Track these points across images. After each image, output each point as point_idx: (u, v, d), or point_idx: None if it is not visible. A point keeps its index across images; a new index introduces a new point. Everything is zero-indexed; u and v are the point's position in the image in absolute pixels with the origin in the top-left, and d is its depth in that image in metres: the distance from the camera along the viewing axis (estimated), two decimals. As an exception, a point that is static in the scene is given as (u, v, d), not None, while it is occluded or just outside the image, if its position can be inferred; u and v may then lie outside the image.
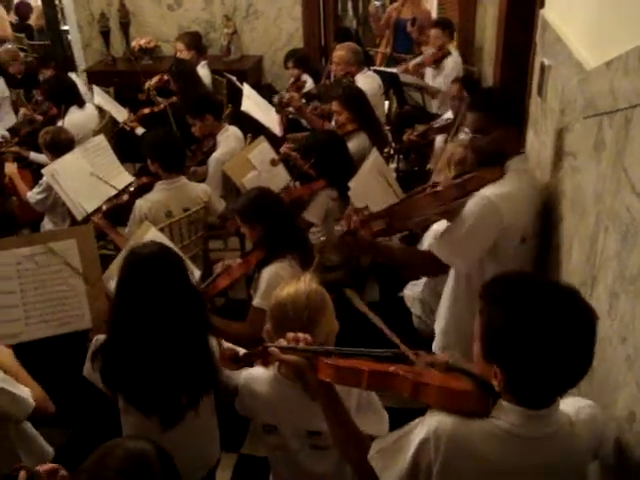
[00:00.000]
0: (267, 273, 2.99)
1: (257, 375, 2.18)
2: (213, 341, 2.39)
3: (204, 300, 2.46)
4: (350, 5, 9.95)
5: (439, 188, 2.55)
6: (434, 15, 7.50)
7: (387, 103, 6.06)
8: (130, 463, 1.55)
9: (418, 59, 5.94)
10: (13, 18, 8.77)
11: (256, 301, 2.97)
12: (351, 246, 2.71)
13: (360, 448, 1.74)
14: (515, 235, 2.51)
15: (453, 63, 5.68)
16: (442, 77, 5.64)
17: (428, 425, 1.56)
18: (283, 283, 2.21)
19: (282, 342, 1.79)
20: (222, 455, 2.65)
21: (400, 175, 5.26)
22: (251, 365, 1.97)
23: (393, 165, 5.45)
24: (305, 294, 2.06)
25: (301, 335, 1.80)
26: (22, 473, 1.68)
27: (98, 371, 2.31)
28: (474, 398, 1.57)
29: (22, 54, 6.93)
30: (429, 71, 5.86)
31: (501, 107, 2.58)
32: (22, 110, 5.70)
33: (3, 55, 6.42)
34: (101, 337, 2.36)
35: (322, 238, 2.98)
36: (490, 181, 2.52)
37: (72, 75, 5.97)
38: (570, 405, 1.62)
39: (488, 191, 2.48)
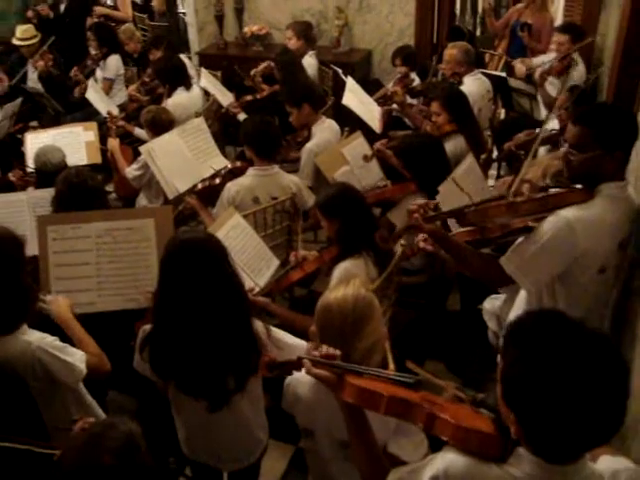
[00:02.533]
0: (339, 269, 2.96)
1: (301, 378, 2.16)
2: (259, 325, 2.39)
3: (242, 284, 2.44)
4: (469, 3, 9.73)
5: (518, 199, 2.43)
6: (559, 20, 7.19)
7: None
8: (122, 444, 1.55)
9: (546, 66, 5.66)
10: (138, -1, 9.06)
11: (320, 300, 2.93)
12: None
13: (376, 472, 1.71)
14: (592, 263, 2.37)
15: (578, 73, 5.38)
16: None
17: (440, 463, 1.50)
18: (335, 285, 2.17)
19: (316, 354, 1.77)
20: (279, 446, 2.66)
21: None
22: (286, 373, 1.96)
23: (493, 172, 5.29)
24: (352, 299, 2.02)
25: (332, 351, 1.77)
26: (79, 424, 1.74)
27: (147, 361, 2.34)
28: (491, 441, 1.48)
29: (141, 34, 7.19)
30: (550, 79, 5.59)
31: (607, 128, 2.38)
32: (130, 87, 5.88)
33: (121, 34, 6.66)
34: (147, 327, 2.40)
35: (402, 242, 2.92)
36: (575, 202, 2.37)
37: (183, 57, 6.11)
38: (608, 465, 1.49)
39: (569, 212, 2.35)
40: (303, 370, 1.81)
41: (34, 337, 2.36)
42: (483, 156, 4.66)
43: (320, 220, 3.20)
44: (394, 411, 1.63)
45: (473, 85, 4.97)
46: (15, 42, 6.44)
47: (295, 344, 2.47)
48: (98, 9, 7.73)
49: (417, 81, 5.59)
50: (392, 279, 3.14)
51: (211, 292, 2.27)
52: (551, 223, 2.36)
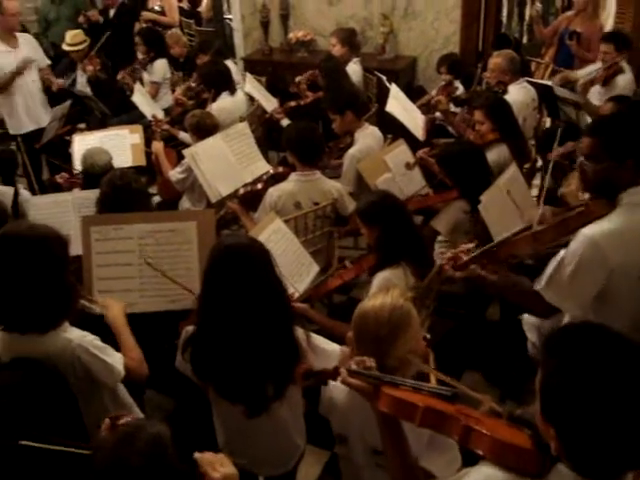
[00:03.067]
0: (379, 278, 2.96)
1: (337, 384, 2.15)
2: (299, 332, 2.39)
3: (286, 290, 2.45)
4: (516, 11, 9.63)
5: (539, 228, 2.40)
6: (609, 28, 7.05)
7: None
8: (150, 447, 1.56)
9: (590, 75, 5.57)
10: (185, 4, 9.19)
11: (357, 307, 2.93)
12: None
13: None
14: (631, 271, 2.32)
15: (624, 82, 5.29)
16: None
17: (476, 476, 1.48)
18: (374, 294, 2.17)
19: (352, 365, 1.77)
20: (314, 451, 2.65)
21: (545, 192, 5.02)
22: (322, 383, 1.96)
23: (536, 181, 5.22)
24: (389, 308, 2.02)
25: (367, 360, 1.77)
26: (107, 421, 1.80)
27: (189, 361, 2.36)
28: (529, 457, 1.44)
29: (188, 39, 7.28)
30: (596, 88, 5.51)
31: (614, 138, 2.36)
32: (176, 91, 5.96)
33: (168, 38, 6.76)
34: (190, 328, 2.42)
35: (442, 249, 2.91)
36: (596, 217, 2.35)
37: (229, 62, 6.16)
38: None
39: (591, 230, 2.32)
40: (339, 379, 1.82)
41: (75, 335, 2.39)
42: (527, 165, 4.61)
43: (360, 227, 3.19)
44: (429, 423, 1.61)
45: (518, 94, 4.91)
46: (65, 47, 6.57)
47: (332, 350, 2.47)
48: (145, 14, 7.85)
49: (461, 89, 5.56)
50: (431, 288, 3.12)
51: (255, 297, 2.28)
52: (576, 244, 2.33)
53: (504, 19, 8.57)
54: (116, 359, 2.44)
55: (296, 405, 2.51)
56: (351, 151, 4.33)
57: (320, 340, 2.49)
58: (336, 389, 2.19)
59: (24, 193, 4.50)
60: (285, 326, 2.35)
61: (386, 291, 2.14)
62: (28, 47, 5.88)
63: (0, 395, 2.22)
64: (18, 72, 5.70)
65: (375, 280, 2.98)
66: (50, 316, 2.33)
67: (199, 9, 9.38)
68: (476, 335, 3.83)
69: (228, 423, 2.51)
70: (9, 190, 4.34)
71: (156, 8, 7.98)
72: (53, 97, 6.11)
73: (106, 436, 1.76)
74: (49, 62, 6.21)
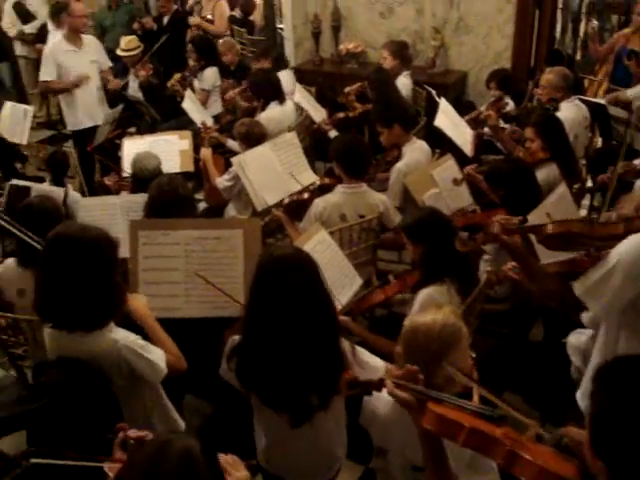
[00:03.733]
0: (423, 295, 2.94)
1: (381, 395, 2.14)
2: (345, 343, 2.38)
3: (333, 301, 2.45)
4: (570, 27, 9.51)
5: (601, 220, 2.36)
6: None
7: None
8: (181, 461, 1.55)
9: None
10: (238, 13, 9.29)
11: (407, 321, 2.91)
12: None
13: None
14: None
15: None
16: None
17: None
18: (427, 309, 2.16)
19: (400, 377, 1.75)
20: (349, 465, 2.64)
21: (595, 213, 4.94)
22: (366, 393, 1.95)
23: (586, 202, 5.14)
24: (440, 325, 2.01)
25: (416, 373, 1.75)
26: (120, 435, 1.78)
27: (234, 370, 2.37)
28: None
29: (240, 47, 7.35)
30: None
31: None
32: (228, 94, 6.01)
33: (221, 45, 6.83)
34: (236, 338, 2.43)
35: (488, 268, 2.87)
36: None
37: (285, 72, 6.19)
38: None
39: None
40: (384, 390, 1.81)
41: (120, 335, 2.43)
42: (576, 185, 4.54)
43: (405, 242, 3.17)
44: (473, 444, 1.59)
45: (570, 111, 4.84)
46: (119, 52, 6.70)
47: (376, 365, 2.47)
48: (193, 19, 7.95)
49: (512, 105, 5.50)
50: (475, 306, 3.09)
51: (302, 308, 2.29)
52: (624, 245, 2.28)
53: (558, 35, 8.47)
54: (158, 356, 2.48)
55: (339, 416, 2.51)
56: (398, 165, 4.31)
57: (365, 353, 2.48)
58: (379, 401, 2.18)
59: (74, 194, 4.60)
60: (331, 337, 2.36)
61: (437, 308, 2.14)
62: (92, 48, 6.05)
63: (46, 393, 2.27)
64: (75, 84, 5.87)
65: (419, 296, 2.97)
66: (97, 316, 2.38)
67: (251, 17, 9.49)
68: (518, 355, 3.78)
69: (270, 431, 2.51)
70: (59, 191, 4.44)
71: (209, 17, 8.09)
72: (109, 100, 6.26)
73: (135, 453, 1.76)
74: (110, 64, 6.36)
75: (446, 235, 3.09)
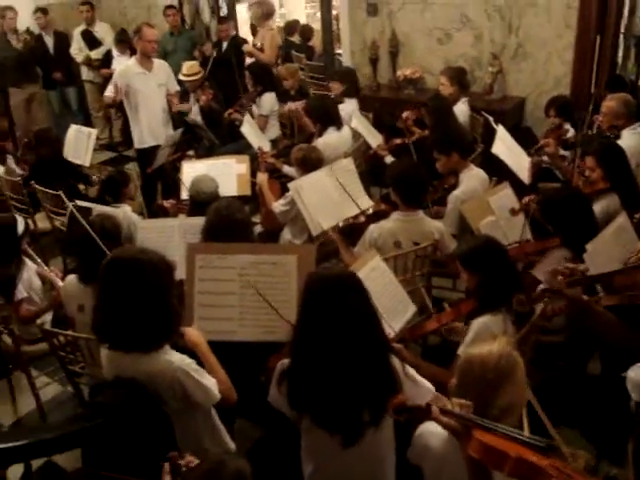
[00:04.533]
0: (477, 324, 2.91)
1: (435, 430, 2.13)
2: (396, 362, 2.38)
3: (380, 320, 2.46)
4: (633, 52, 9.33)
5: None
6: None
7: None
8: None
9: None
10: (297, 38, 9.43)
11: (461, 350, 2.89)
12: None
13: None
14: None
15: None
16: None
17: None
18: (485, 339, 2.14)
19: (447, 404, 1.74)
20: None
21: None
22: (412, 418, 1.94)
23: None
24: (496, 356, 1.99)
25: (464, 402, 1.73)
26: (166, 465, 1.79)
27: (285, 394, 2.38)
28: None
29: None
30: None
31: None
32: (285, 107, 6.07)
33: (283, 71, 6.93)
34: (286, 362, 2.44)
35: (545, 299, 2.82)
36: None
37: (352, 100, 6.25)
38: None
39: None
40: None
41: (175, 358, 2.47)
42: (637, 216, 4.43)
43: (460, 271, 3.15)
44: (519, 474, 1.57)
45: (631, 139, 4.73)
46: (181, 77, 6.85)
47: (427, 388, 2.48)
48: (246, 47, 8.09)
49: (571, 132, 5.42)
50: (529, 337, 3.04)
51: (351, 326, 2.31)
52: None
53: (619, 60, 8.32)
54: (212, 382, 2.52)
55: (390, 439, 2.51)
56: (455, 192, 4.29)
57: (416, 374, 2.48)
58: (433, 436, 2.16)
59: (132, 216, 4.70)
60: (381, 354, 2.38)
61: (493, 338, 2.12)
62: (161, 72, 6.22)
63: (103, 413, 2.31)
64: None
65: (473, 325, 2.94)
66: (153, 337, 2.42)
67: (310, 43, 9.61)
68: (575, 389, 3.69)
69: (320, 454, 2.51)
70: (119, 211, 4.55)
71: (259, 45, 8.22)
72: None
73: (189, 472, 1.78)
74: (178, 88, 6.53)
75: (502, 264, 3.06)
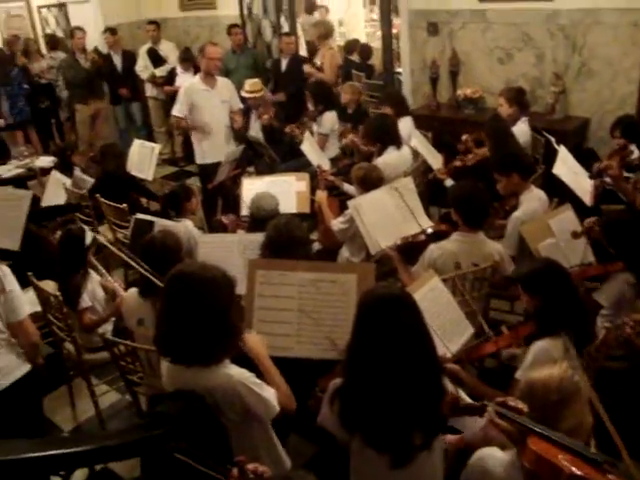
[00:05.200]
0: (537, 347, 2.87)
1: (494, 454, 2.11)
2: (449, 385, 2.37)
3: (433, 342, 2.44)
4: None
5: None
6: None
7: None
8: None
9: None
10: (357, 57, 9.50)
11: (519, 374, 2.85)
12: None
13: None
14: None
15: None
16: None
17: None
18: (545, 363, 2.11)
19: (503, 407, 1.72)
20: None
21: None
22: (467, 414, 1.92)
23: None
24: (558, 380, 1.97)
25: (520, 404, 1.72)
26: (234, 470, 1.80)
27: (337, 413, 2.38)
28: None
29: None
30: None
31: None
32: (344, 140, 6.12)
33: (346, 87, 6.97)
34: (338, 381, 2.46)
35: (606, 324, 2.78)
36: None
37: (406, 119, 6.27)
38: None
39: None
40: (494, 448, 1.78)
41: (235, 371, 2.51)
42: None
43: (519, 293, 3.11)
44: None
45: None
46: (243, 94, 6.96)
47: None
48: (306, 68, 8.18)
49: (636, 153, 5.30)
50: (591, 363, 2.99)
51: (404, 345, 2.30)
52: None
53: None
54: (271, 395, 2.54)
55: (439, 462, 2.49)
56: (516, 214, 4.24)
57: (465, 395, 2.46)
58: (492, 459, 2.14)
59: (193, 230, 4.79)
60: (434, 376, 2.37)
61: (553, 362, 2.09)
62: (225, 89, 6.37)
63: (161, 424, 2.36)
64: (193, 127, 6.24)
65: (532, 349, 2.90)
66: (214, 352, 2.46)
67: (369, 62, 9.66)
68: (636, 417, 3.59)
69: (368, 475, 2.50)
70: (181, 226, 4.64)
71: (318, 64, 8.30)
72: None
73: None
74: (241, 106, 6.65)
75: (563, 287, 3.01)
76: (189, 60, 8.55)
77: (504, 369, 3.91)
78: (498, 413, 1.78)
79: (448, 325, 3.26)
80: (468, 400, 2.50)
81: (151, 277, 3.36)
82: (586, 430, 2.02)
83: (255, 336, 2.83)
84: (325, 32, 8.17)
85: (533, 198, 4.37)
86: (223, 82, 6.39)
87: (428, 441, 2.33)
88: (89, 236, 4.35)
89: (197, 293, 2.41)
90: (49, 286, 4.45)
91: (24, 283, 4.03)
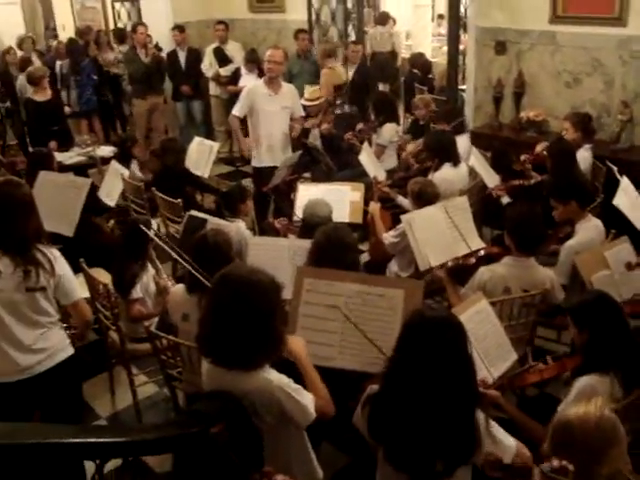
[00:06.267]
0: (582, 383, 2.78)
1: None
2: (480, 416, 2.34)
3: (475, 371, 2.41)
4: None
5: None
6: None
7: None
8: None
9: None
10: (418, 71, 9.48)
11: (561, 408, 2.78)
12: None
13: None
14: None
15: None
16: None
17: None
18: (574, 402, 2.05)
19: (554, 463, 1.67)
20: None
21: None
22: (511, 477, 1.88)
23: None
24: (595, 420, 1.91)
25: (567, 465, 1.67)
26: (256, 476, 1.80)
27: (366, 419, 2.37)
28: None
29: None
30: None
31: None
32: (408, 149, 6.10)
33: (418, 100, 6.95)
34: (375, 387, 2.45)
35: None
36: None
37: (464, 136, 6.21)
38: None
39: None
40: None
41: (274, 376, 2.50)
42: None
43: (568, 324, 3.04)
44: None
45: None
46: (303, 101, 7.00)
47: (509, 446, 2.39)
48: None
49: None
50: (638, 405, 2.89)
51: (443, 372, 2.28)
52: None
53: None
54: (308, 400, 2.53)
55: None
56: (570, 242, 4.15)
57: (499, 430, 2.41)
58: None
59: (245, 232, 4.82)
60: (467, 406, 2.33)
61: (588, 400, 2.03)
62: (287, 95, 6.39)
63: (197, 422, 2.37)
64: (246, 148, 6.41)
65: (577, 383, 2.82)
66: (256, 357, 2.46)
67: (430, 76, 9.63)
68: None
69: None
70: (233, 226, 4.67)
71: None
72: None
73: None
74: (303, 114, 6.69)
75: (614, 322, 2.92)
76: (254, 61, 8.63)
77: (545, 399, 3.85)
78: (545, 474, 1.73)
79: (493, 349, 3.20)
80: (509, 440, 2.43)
81: (198, 275, 3.38)
82: (626, 472, 1.96)
83: (297, 339, 2.83)
84: (328, 52, 8.12)
85: (590, 228, 4.27)
86: (287, 88, 6.43)
87: (450, 469, 2.30)
88: (153, 228, 4.40)
89: (244, 296, 2.40)
90: (100, 274, 4.55)
91: (75, 269, 4.13)
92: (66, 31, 12.02)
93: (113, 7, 10.95)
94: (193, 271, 3.42)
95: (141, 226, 4.23)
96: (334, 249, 3.49)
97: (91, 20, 10.81)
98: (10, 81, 9.46)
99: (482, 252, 4.09)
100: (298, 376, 2.66)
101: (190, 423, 2.40)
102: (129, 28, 10.08)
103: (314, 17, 8.83)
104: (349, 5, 8.76)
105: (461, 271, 3.97)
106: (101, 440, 2.20)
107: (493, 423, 2.40)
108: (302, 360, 2.73)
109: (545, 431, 2.78)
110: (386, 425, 2.35)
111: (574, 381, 2.86)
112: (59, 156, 7.03)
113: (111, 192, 6.05)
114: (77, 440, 2.10)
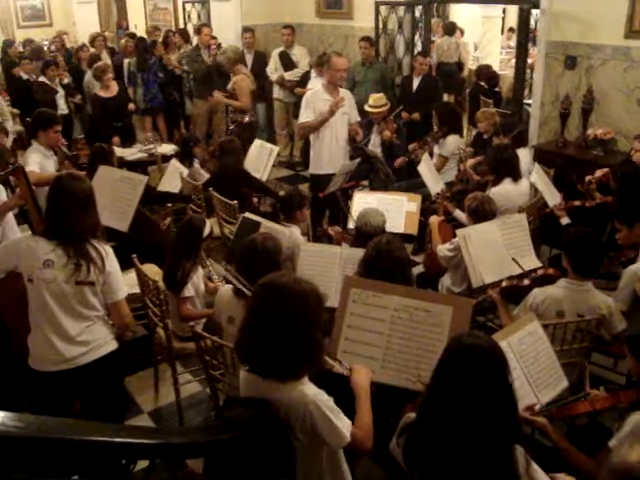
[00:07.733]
0: (635, 420, 2.64)
1: None
2: (520, 452, 2.22)
3: (517, 405, 2.29)
4: None
5: None
6: None
7: None
8: None
9: None
10: (484, 83, 9.33)
11: (612, 442, 2.64)
12: None
13: None
14: None
15: None
16: None
17: None
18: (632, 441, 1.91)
19: None
20: None
21: None
22: None
23: None
24: None
25: None
26: None
27: (402, 447, 2.30)
28: None
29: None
30: None
31: None
32: (462, 166, 6.01)
33: (480, 117, 6.85)
34: (412, 415, 2.37)
35: None
36: None
37: (524, 150, 6.07)
38: None
39: None
40: None
41: (311, 391, 2.44)
42: None
43: (626, 354, 2.91)
44: None
45: None
46: (367, 108, 6.95)
47: None
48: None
49: None
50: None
51: (482, 403, 2.17)
52: None
53: None
54: (345, 424, 2.45)
55: None
56: (633, 267, 3.97)
57: (540, 473, 2.28)
58: None
59: (299, 237, 4.80)
60: (506, 441, 2.22)
61: None
62: (346, 101, 6.29)
63: (231, 429, 2.34)
64: (330, 114, 6.13)
65: (631, 419, 2.66)
66: (294, 368, 2.41)
67: (496, 89, 9.47)
68: None
69: None
70: (286, 231, 4.65)
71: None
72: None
73: None
74: (359, 119, 6.63)
75: None
76: (323, 65, 8.61)
77: (596, 427, 3.69)
78: None
79: (543, 374, 3.09)
80: None
81: (239, 284, 3.36)
82: None
83: (363, 369, 2.78)
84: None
85: (655, 253, 4.10)
86: (344, 93, 6.38)
87: None
88: (208, 228, 4.42)
89: (284, 305, 2.35)
90: (153, 270, 4.58)
91: (128, 264, 4.17)
92: (138, 30, 12.30)
93: (184, 8, 11.14)
94: (234, 280, 3.40)
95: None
96: (384, 263, 3.43)
97: (162, 20, 10.99)
98: (81, 77, 9.72)
99: (538, 272, 3.97)
100: (344, 397, 2.60)
101: (222, 430, 2.37)
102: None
103: (381, 25, 8.76)
104: (417, 14, 8.66)
105: (514, 290, 3.86)
106: (135, 441, 2.19)
107: (536, 467, 2.29)
108: (361, 392, 2.67)
109: (592, 464, 2.68)
110: (422, 454, 2.27)
111: (627, 415, 2.72)
112: (121, 152, 7.16)
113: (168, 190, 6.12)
114: (110, 439, 2.09)
